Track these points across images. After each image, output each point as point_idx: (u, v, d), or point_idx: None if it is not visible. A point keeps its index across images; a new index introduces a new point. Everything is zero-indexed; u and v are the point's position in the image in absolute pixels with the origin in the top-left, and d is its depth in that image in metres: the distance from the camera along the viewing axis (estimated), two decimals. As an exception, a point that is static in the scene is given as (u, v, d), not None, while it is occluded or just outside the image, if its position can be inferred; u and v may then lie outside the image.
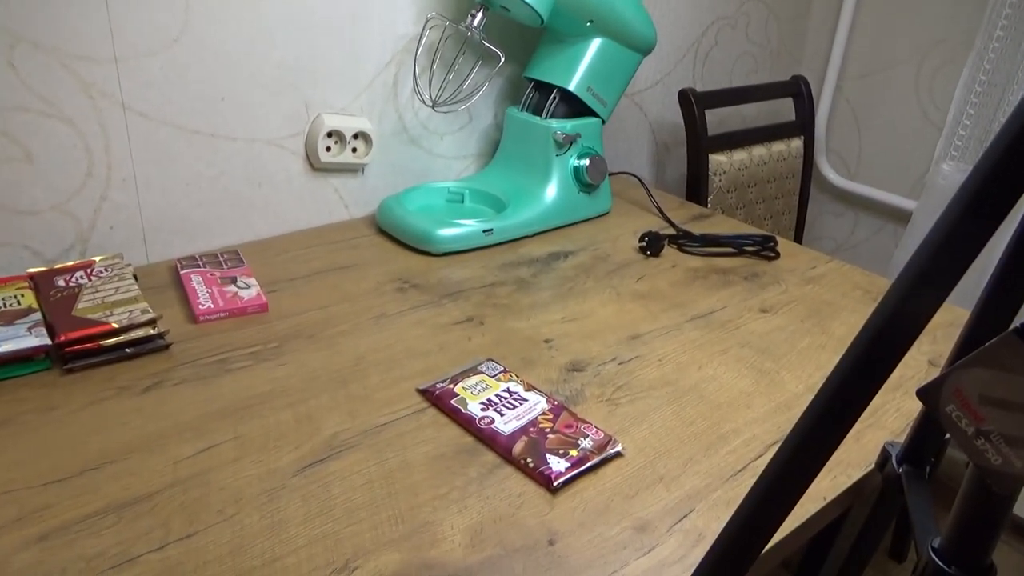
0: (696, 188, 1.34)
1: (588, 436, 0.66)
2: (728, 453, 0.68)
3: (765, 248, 1.07)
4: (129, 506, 0.58)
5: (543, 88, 1.12)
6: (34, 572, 0.52)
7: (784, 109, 1.58)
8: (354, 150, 1.07)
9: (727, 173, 1.37)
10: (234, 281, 0.89)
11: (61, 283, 0.82)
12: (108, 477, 0.61)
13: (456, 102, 1.06)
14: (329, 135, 1.04)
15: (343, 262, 0.98)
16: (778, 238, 1.09)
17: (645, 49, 1.15)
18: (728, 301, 0.94)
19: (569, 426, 0.68)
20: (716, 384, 0.78)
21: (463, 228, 1.02)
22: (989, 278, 0.45)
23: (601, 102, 1.13)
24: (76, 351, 0.74)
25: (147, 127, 0.90)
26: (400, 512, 0.59)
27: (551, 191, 1.11)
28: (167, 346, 0.78)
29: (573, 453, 0.64)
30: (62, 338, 0.73)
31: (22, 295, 0.80)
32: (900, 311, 0.34)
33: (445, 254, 1.02)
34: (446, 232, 1.01)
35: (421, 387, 0.73)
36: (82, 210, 0.88)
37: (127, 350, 0.76)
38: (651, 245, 1.06)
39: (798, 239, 1.61)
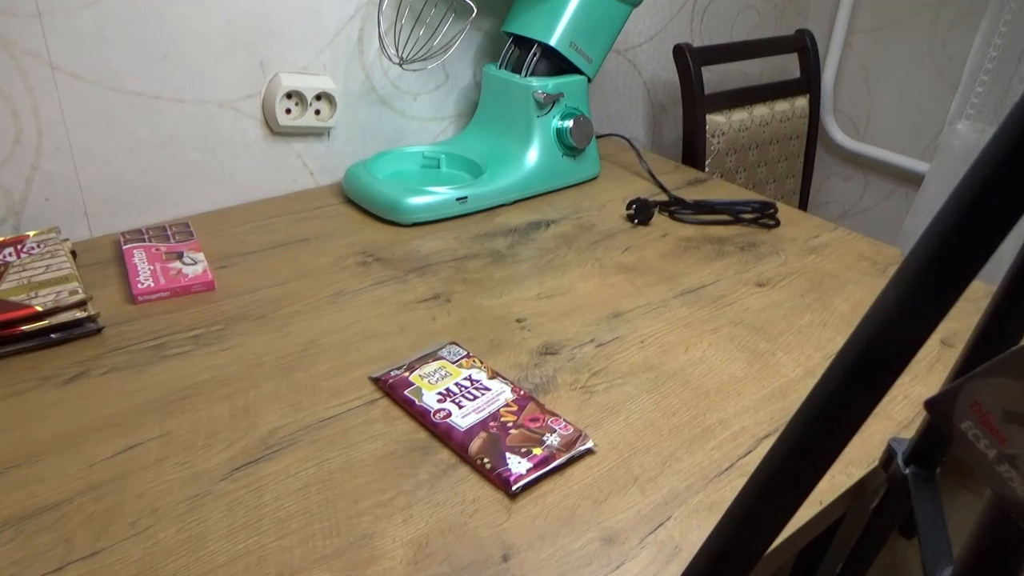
0: (692, 151, 1.25)
1: (555, 431, 0.59)
2: (713, 449, 0.60)
3: (764, 215, 0.99)
4: (31, 518, 0.51)
5: (523, 43, 1.03)
6: (-88, 597, 0.46)
7: (788, 66, 1.48)
8: (317, 112, 0.99)
9: (726, 134, 1.28)
10: (180, 257, 0.82)
11: (-13, 261, 0.75)
12: (12, 484, 0.54)
13: (425, 59, 0.98)
14: (289, 96, 0.95)
15: (304, 234, 0.91)
16: (779, 204, 1.00)
17: (634, 0, 1.05)
18: (722, 274, 0.87)
19: (535, 419, 0.60)
20: (704, 368, 0.70)
21: (434, 196, 0.94)
22: (1011, 266, 0.37)
23: (586, 58, 1.04)
24: (-6, 337, 0.67)
25: (81, 89, 0.81)
26: (336, 523, 0.52)
27: (532, 155, 1.02)
28: (99, 330, 0.71)
29: (537, 451, 0.57)
30: (-22, 324, 0.66)
31: (-58, 275, 0.73)
32: (905, 309, 0.27)
33: (414, 224, 0.94)
34: (415, 201, 0.93)
35: (374, 375, 0.66)
36: (11, 180, 0.81)
37: (52, 336, 0.69)
38: (639, 213, 0.97)
39: (803, 205, 1.52)
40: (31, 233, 0.80)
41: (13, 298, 0.69)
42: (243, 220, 0.93)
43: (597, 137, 1.11)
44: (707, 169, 1.28)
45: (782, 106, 1.38)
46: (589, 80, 1.07)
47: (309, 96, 0.96)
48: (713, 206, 1.00)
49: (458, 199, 0.95)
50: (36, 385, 0.64)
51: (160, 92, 0.87)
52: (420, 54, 0.98)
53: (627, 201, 1.03)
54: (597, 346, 0.73)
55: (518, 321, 0.76)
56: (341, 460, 0.57)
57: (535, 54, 1.02)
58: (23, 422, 0.60)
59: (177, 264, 0.80)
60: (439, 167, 1.06)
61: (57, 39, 0.78)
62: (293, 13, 0.93)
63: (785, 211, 1.02)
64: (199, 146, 0.92)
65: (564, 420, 0.61)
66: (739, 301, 0.81)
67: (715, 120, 1.26)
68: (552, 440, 0.58)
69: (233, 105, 0.93)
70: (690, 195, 1.06)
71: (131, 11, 0.82)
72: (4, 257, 0.76)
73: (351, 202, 0.99)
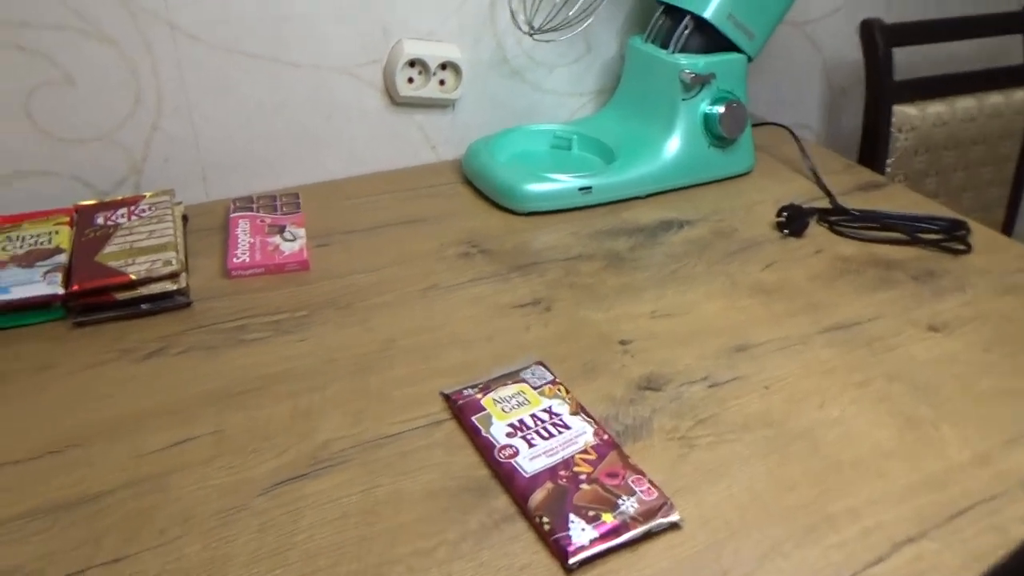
0: (872, 148, 1.07)
1: (635, 493, 0.50)
2: (834, 547, 0.48)
3: (951, 237, 0.81)
4: (70, 508, 0.49)
5: (673, 14, 0.90)
6: (-58, 579, 0.45)
7: (1008, 50, 1.23)
8: (441, 82, 0.92)
9: (917, 130, 1.08)
10: (281, 231, 0.79)
11: (100, 221, 0.75)
12: (65, 465, 0.53)
13: (559, 29, 0.88)
14: (411, 64, 0.89)
15: (412, 214, 0.85)
16: (973, 225, 0.82)
17: (817, -36, 0.89)
18: (884, 309, 0.72)
19: (613, 475, 0.51)
20: (840, 432, 0.57)
21: (554, 184, 0.85)
22: None
23: (747, 34, 0.90)
24: (88, 303, 0.67)
25: (199, 50, 0.79)
26: (366, 567, 0.46)
27: (673, 144, 0.90)
28: (188, 304, 0.69)
29: (607, 518, 0.48)
30: (75, 287, 0.66)
31: (56, 232, 0.74)
32: None
33: (531, 214, 0.86)
34: (533, 188, 0.85)
35: (446, 391, 0.59)
36: (132, 140, 0.81)
37: (143, 306, 0.68)
38: (792, 221, 0.83)
39: (1008, 226, 1.27)
40: (147, 194, 0.80)
41: (112, 263, 0.69)
42: (354, 193, 0.89)
43: (754, 125, 0.96)
44: (888, 171, 1.09)
45: (994, 99, 1.14)
46: (749, 59, 0.92)
47: (433, 65, 0.89)
48: (885, 219, 0.84)
49: (581, 189, 0.86)
50: (116, 357, 0.63)
51: (278, 55, 0.83)
52: (554, 23, 0.88)
53: (779, 206, 0.88)
54: (710, 386, 0.62)
55: (622, 343, 0.66)
56: (390, 490, 0.51)
57: (686, 27, 0.89)
58: (93, 398, 0.59)
59: (277, 239, 0.77)
60: (570, 149, 0.97)
61: (180, -2, 0.76)
62: (424, -26, 0.86)
63: (980, 234, 0.83)
64: (316, 113, 0.88)
65: (649, 481, 0.51)
66: (901, 347, 0.66)
67: (904, 112, 1.07)
68: (629, 505, 0.49)
69: (352, 71, 0.88)
70: (859, 203, 0.89)
71: (254, -30, 0.78)
72: (116, 218, 0.76)
73: (468, 182, 0.92)
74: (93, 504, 0.50)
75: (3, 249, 0.71)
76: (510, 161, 0.91)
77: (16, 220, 0.75)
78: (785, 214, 0.83)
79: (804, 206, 0.84)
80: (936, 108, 1.09)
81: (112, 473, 0.52)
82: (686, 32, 0.89)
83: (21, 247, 0.71)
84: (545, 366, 0.62)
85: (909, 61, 1.12)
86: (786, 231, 0.83)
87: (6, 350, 0.63)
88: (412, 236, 0.81)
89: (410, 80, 0.90)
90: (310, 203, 0.86)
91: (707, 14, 0.87)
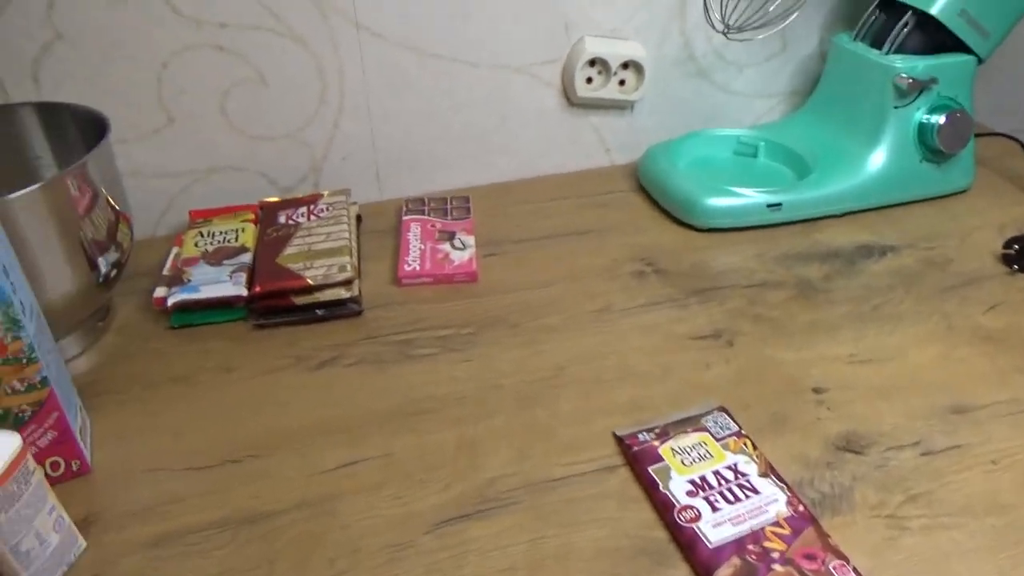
0: (1121, 163, 0.91)
1: (837, 585, 0.44)
2: None
3: None
4: (249, 524, 0.50)
5: (892, 9, 0.80)
6: (133, 584, 0.47)
7: None
8: (621, 82, 0.87)
9: None
10: (451, 238, 0.77)
11: (282, 219, 0.77)
12: (244, 476, 0.54)
13: (757, 27, 0.80)
14: (591, 63, 0.85)
15: (583, 224, 0.81)
16: None
17: (1078, -50, 0.75)
18: None
19: (811, 556, 0.46)
20: (1088, 529, 0.48)
21: (740, 199, 0.78)
22: None
23: (980, 32, 0.78)
24: (267, 306, 0.68)
25: (382, 49, 0.79)
26: (534, 633, 0.44)
27: (878, 157, 0.80)
28: (359, 312, 0.70)
29: (804, 613, 0.43)
30: (257, 289, 0.68)
31: (242, 230, 0.76)
32: None
33: (711, 230, 0.79)
34: (715, 202, 0.78)
35: (619, 432, 0.56)
36: (315, 138, 0.82)
37: (318, 312, 0.69)
38: (1023, 255, 0.72)
39: None
40: (325, 193, 0.81)
41: (291, 265, 0.70)
42: (524, 198, 0.87)
43: (975, 136, 0.84)
44: None
45: None
46: (979, 61, 0.80)
47: (614, 64, 0.84)
48: None
49: (769, 206, 0.78)
50: (291, 364, 0.64)
51: (457, 55, 0.81)
52: (752, 21, 0.80)
53: (1005, 233, 0.77)
54: (923, 454, 0.54)
55: (816, 391, 0.59)
56: (559, 543, 0.48)
57: (906, 24, 0.78)
58: (270, 405, 0.60)
59: (446, 247, 0.76)
60: (755, 156, 0.89)
61: (366, -3, 0.76)
62: (611, -33, 0.81)
63: None
64: (491, 113, 0.86)
65: (853, 570, 0.45)
66: None
67: None
68: (830, 600, 0.43)
69: (530, 71, 0.85)
70: (1107, 233, 0.76)
71: (439, -32, 0.76)
72: (296, 217, 0.77)
73: (644, 190, 0.87)
74: (268, 522, 0.50)
75: (196, 245, 0.74)
76: (689, 169, 0.84)
77: (209, 215, 0.79)
78: (1015, 246, 0.72)
79: (1039, 238, 0.73)
80: None
81: (286, 490, 0.53)
82: (905, 30, 0.78)
83: (211, 244, 0.74)
84: (728, 413, 0.56)
85: None
86: (1015, 267, 0.72)
87: (196, 346, 0.66)
88: (583, 249, 0.77)
89: (589, 80, 0.86)
90: (480, 206, 0.84)
91: (934, 10, 0.76)
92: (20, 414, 0.50)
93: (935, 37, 0.78)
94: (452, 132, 0.86)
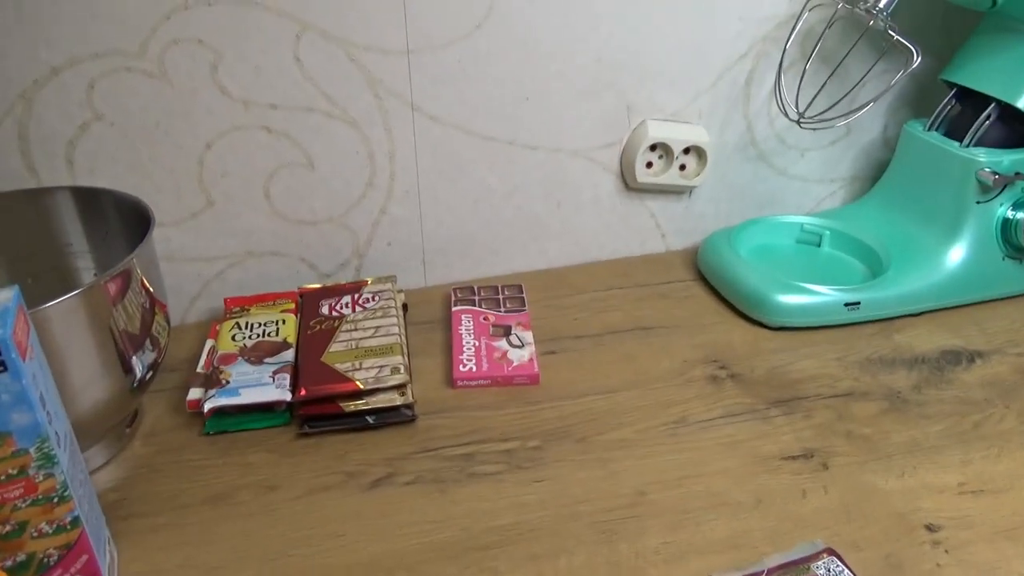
0: None
1: None
2: None
3: None
4: None
5: (971, 99, 0.76)
6: None
7: None
8: (682, 167, 0.83)
9: None
10: (507, 334, 0.72)
11: (325, 310, 0.72)
12: (294, 625, 0.47)
13: (833, 118, 0.76)
14: (652, 148, 0.81)
15: (645, 319, 0.76)
16: None
17: None
18: None
19: None
20: None
21: (815, 297, 0.73)
22: None
23: (1070, 127, 0.74)
24: (313, 412, 0.62)
25: (436, 132, 0.75)
26: None
27: (957, 253, 0.76)
28: (413, 419, 0.64)
29: None
30: (302, 393, 0.62)
31: (284, 321, 0.71)
32: None
33: (781, 328, 0.74)
34: (787, 300, 0.73)
35: (719, 580, 0.49)
36: (360, 222, 0.77)
37: (369, 419, 0.63)
38: None
39: None
40: (369, 280, 0.76)
41: (339, 366, 0.65)
42: (579, 287, 0.82)
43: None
44: None
45: None
46: (1065, 156, 0.76)
47: (677, 149, 0.80)
48: None
49: (847, 304, 0.73)
50: (341, 482, 0.58)
51: (514, 137, 0.77)
52: (827, 110, 0.77)
53: (1101, 338, 0.72)
54: (1064, 613, 0.48)
55: (929, 529, 0.53)
56: None
57: (989, 116, 0.75)
58: (320, 537, 0.53)
59: (503, 344, 0.71)
60: (819, 246, 0.85)
61: (420, 77, 0.72)
62: (672, 48, 0.77)
63: None
64: (545, 198, 0.81)
65: None
66: None
67: None
68: None
69: (588, 155, 0.81)
70: None
71: (498, 48, 0.73)
72: (341, 308, 0.72)
73: (703, 279, 0.82)
74: None
75: (233, 339, 0.68)
76: (754, 260, 0.80)
77: (246, 303, 0.73)
78: (1119, 358, 0.67)
79: None
80: None
81: (345, 646, 0.46)
82: (987, 122, 0.75)
83: (250, 337, 0.69)
84: (839, 557, 0.50)
85: None
86: (1120, 380, 0.67)
87: (235, 458, 0.60)
88: (648, 348, 0.72)
89: (649, 165, 0.81)
90: (533, 295, 0.79)
91: (1022, 103, 0.72)
92: (46, 559, 0.44)
93: (1018, 131, 0.74)
94: (504, 217, 0.81)
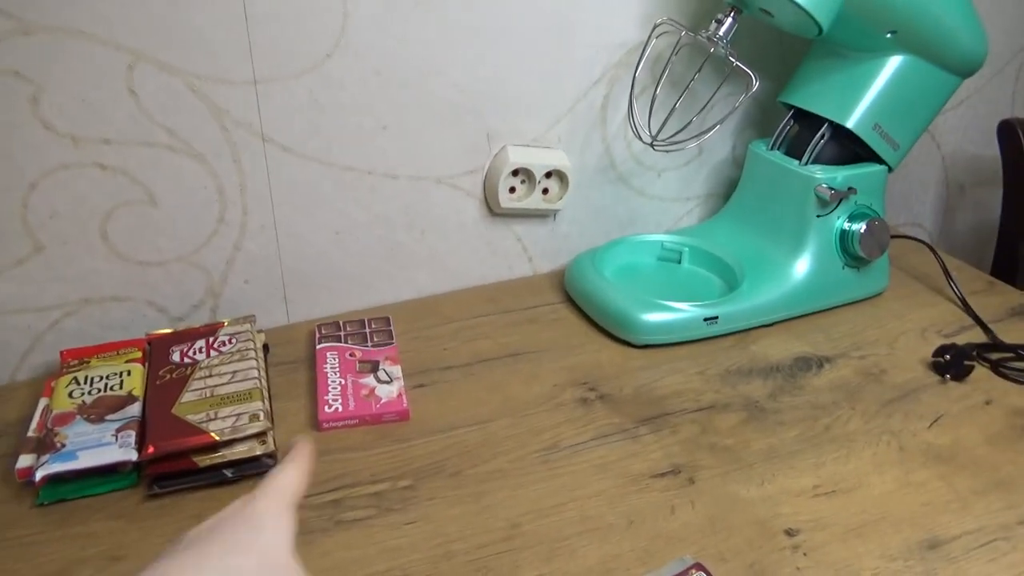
0: (1010, 260, 0.96)
1: None
2: None
3: None
4: None
5: (807, 120, 0.81)
6: None
7: None
8: (545, 191, 0.84)
9: (1060, 239, 0.97)
10: (374, 370, 0.70)
11: (176, 357, 0.67)
12: None
13: (684, 140, 0.79)
14: (515, 173, 0.81)
15: (515, 345, 0.76)
16: None
17: (967, 70, 0.80)
18: (1086, 486, 0.60)
19: None
20: None
21: (676, 314, 0.76)
22: None
23: (891, 144, 0.80)
24: (163, 471, 0.58)
25: (291, 163, 0.72)
26: None
27: (802, 265, 0.81)
28: (275, 467, 0.60)
29: None
30: (150, 450, 0.57)
31: (129, 372, 0.65)
32: None
33: (647, 346, 0.76)
34: (651, 318, 0.75)
35: (594, 609, 0.49)
36: (213, 261, 0.73)
37: (227, 473, 0.59)
38: (953, 363, 0.72)
39: None
40: (225, 321, 0.72)
41: (191, 417, 0.60)
42: (448, 316, 0.80)
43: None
44: (1027, 283, 0.98)
45: None
46: (890, 170, 0.83)
47: (539, 174, 0.81)
48: (1060, 363, 0.73)
49: (706, 319, 0.76)
50: (196, 543, 0.54)
51: (374, 167, 0.76)
52: (676, 132, 0.80)
53: (926, 333, 0.79)
54: (910, 604, 0.51)
55: (788, 534, 0.56)
56: None
57: (823, 135, 0.80)
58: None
59: (371, 380, 0.68)
60: (679, 262, 0.88)
61: (271, 108, 0.69)
62: (529, 75, 0.78)
63: None
64: (409, 226, 0.80)
65: None
66: None
67: (1047, 220, 0.96)
68: None
69: (451, 182, 0.80)
70: (1017, 334, 0.79)
71: (352, 77, 0.71)
72: (194, 353, 0.68)
73: (571, 300, 0.83)
74: None
75: (70, 396, 0.62)
76: (618, 279, 0.81)
77: (85, 354, 0.67)
78: (945, 355, 0.73)
79: (964, 345, 0.74)
80: (1082, 216, 0.98)
81: None
82: (822, 141, 0.80)
83: (90, 393, 0.63)
84: (706, 572, 0.51)
85: None
86: (947, 376, 0.73)
87: (74, 530, 0.55)
88: (518, 374, 0.72)
89: (512, 190, 0.82)
90: (401, 326, 0.77)
91: (850, 123, 0.77)
92: None
93: (849, 148, 0.80)
94: (368, 248, 0.79)
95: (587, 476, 0.60)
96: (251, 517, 0.36)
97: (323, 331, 0.75)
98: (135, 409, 0.62)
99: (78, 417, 0.60)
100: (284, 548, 0.36)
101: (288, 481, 0.39)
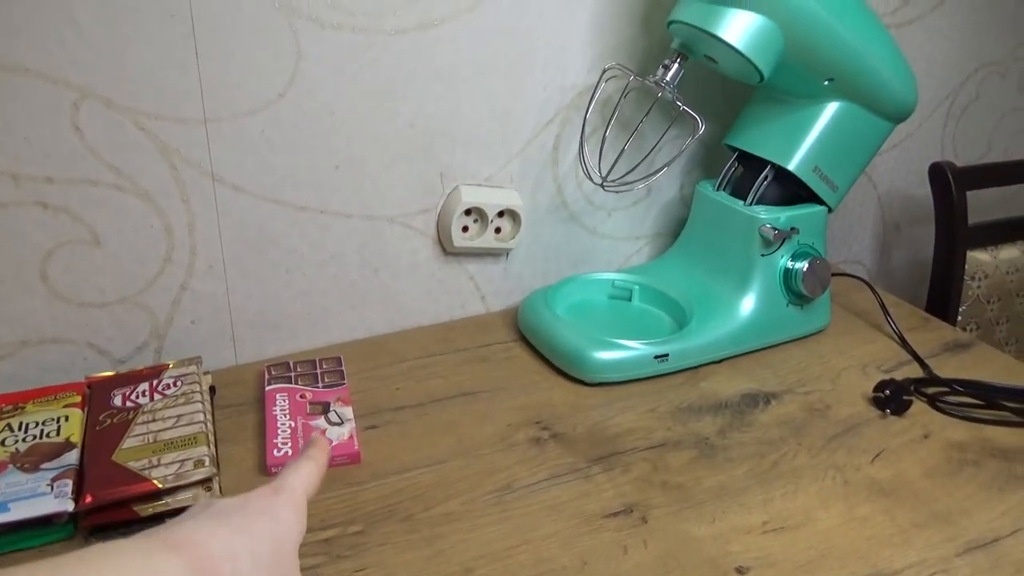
0: (944, 297, 1.00)
1: None
2: None
3: (1067, 419, 0.73)
4: None
5: (750, 162, 0.84)
6: None
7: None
8: (497, 230, 0.84)
9: (989, 277, 1.02)
10: (325, 411, 0.69)
11: (118, 401, 0.65)
12: None
13: (633, 181, 0.81)
14: (467, 212, 0.82)
15: (467, 384, 0.76)
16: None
17: (900, 116, 0.84)
18: (1021, 517, 0.63)
19: None
20: None
21: (627, 352, 0.77)
22: None
23: (830, 186, 0.83)
24: (101, 521, 0.56)
25: (241, 202, 0.71)
26: None
27: (748, 303, 0.83)
28: (221, 514, 0.59)
29: None
30: (88, 500, 0.55)
31: (67, 418, 0.63)
32: None
33: (599, 383, 0.77)
34: (603, 356, 0.76)
35: (548, 655, 0.49)
36: (158, 301, 0.72)
37: (169, 520, 0.57)
38: (892, 399, 0.75)
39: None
40: (171, 363, 0.70)
41: (132, 464, 0.58)
42: (400, 355, 0.80)
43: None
44: (959, 319, 1.02)
45: (1061, 241, 1.09)
46: (829, 211, 0.86)
47: (491, 213, 0.82)
48: (992, 396, 0.76)
49: (657, 357, 0.77)
50: (136, 597, 0.52)
51: (326, 205, 0.75)
52: (626, 174, 0.81)
53: (867, 368, 0.81)
54: (857, 640, 0.52)
55: (738, 572, 0.56)
56: None
57: (766, 177, 0.83)
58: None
59: (321, 422, 0.67)
60: (630, 299, 0.89)
61: (222, 146, 0.69)
62: (482, 115, 0.79)
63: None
64: (362, 265, 0.80)
65: None
66: (1059, 577, 0.57)
67: (977, 259, 1.01)
68: None
69: (404, 221, 0.80)
70: (952, 369, 0.82)
71: (305, 116, 0.71)
72: (137, 397, 0.66)
73: (524, 339, 0.84)
74: None
75: (3, 444, 0.60)
76: (570, 317, 0.82)
77: (20, 399, 0.65)
78: (886, 391, 0.75)
79: (902, 380, 0.76)
80: (1009, 253, 1.04)
81: None
82: (765, 183, 0.83)
83: (24, 440, 0.61)
84: (660, 614, 0.52)
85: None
86: (887, 411, 0.75)
87: (2, 586, 0.52)
88: (471, 414, 0.72)
89: (465, 229, 0.82)
90: (353, 366, 0.76)
91: (791, 165, 0.80)
92: None
93: (791, 189, 0.83)
94: (319, 287, 0.78)
95: (541, 517, 0.60)
96: (270, 508, 0.39)
97: (273, 372, 0.73)
98: (72, 457, 0.59)
99: (11, 466, 0.58)
100: (293, 544, 0.39)
101: (306, 477, 0.43)
